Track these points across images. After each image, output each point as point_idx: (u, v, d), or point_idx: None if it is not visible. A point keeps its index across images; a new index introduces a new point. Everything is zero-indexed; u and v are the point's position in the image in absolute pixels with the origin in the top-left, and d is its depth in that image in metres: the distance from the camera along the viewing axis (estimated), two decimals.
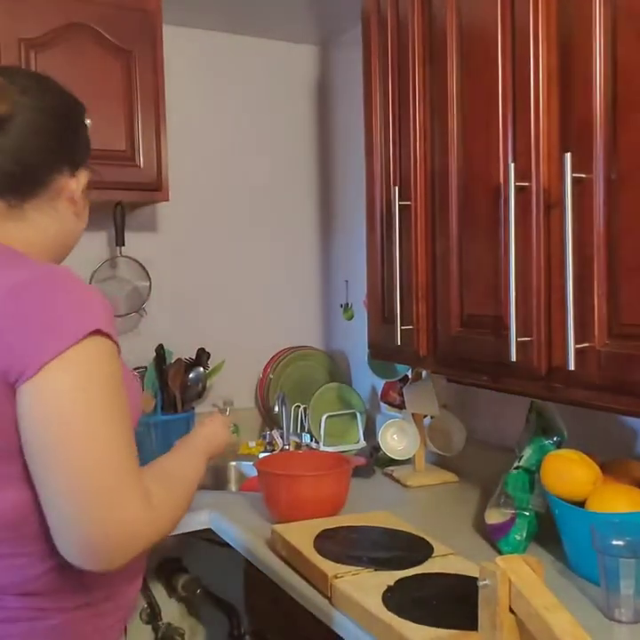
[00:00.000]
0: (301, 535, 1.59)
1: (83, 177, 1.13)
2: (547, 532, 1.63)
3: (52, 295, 0.94)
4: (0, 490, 0.96)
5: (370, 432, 2.60)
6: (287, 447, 2.45)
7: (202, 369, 2.51)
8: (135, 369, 2.38)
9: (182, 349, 2.52)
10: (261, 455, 2.40)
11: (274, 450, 2.44)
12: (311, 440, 2.51)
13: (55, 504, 0.92)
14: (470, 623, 1.16)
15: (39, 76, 1.13)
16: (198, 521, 1.96)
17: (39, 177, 1.06)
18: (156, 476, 1.04)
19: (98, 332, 0.93)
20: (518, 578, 1.08)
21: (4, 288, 0.93)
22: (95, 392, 0.92)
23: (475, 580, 1.15)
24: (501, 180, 1.48)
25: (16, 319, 0.92)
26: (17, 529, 0.98)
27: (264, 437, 2.56)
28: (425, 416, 2.25)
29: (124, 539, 0.93)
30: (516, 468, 1.66)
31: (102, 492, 0.91)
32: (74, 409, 0.91)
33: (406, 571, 1.42)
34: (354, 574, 1.42)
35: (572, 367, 1.29)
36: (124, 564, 0.94)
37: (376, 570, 1.43)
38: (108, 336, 0.95)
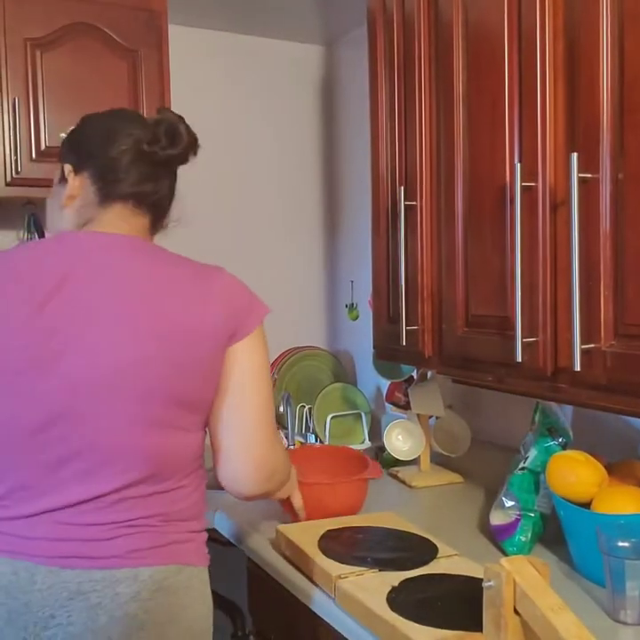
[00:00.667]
0: (306, 535, 1.59)
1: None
2: (552, 534, 1.63)
3: (247, 289, 1.40)
4: (192, 432, 1.26)
5: (375, 432, 2.59)
6: (292, 447, 2.45)
7: None
8: None
9: None
10: None
11: None
12: (316, 440, 2.51)
13: (241, 430, 1.28)
14: (475, 624, 1.16)
15: None
16: None
17: None
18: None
19: None
20: (523, 579, 1.08)
21: (223, 284, 1.34)
22: (267, 358, 1.37)
23: (479, 581, 1.14)
24: (507, 180, 1.48)
25: (233, 303, 1.31)
26: (195, 462, 1.28)
27: None
28: (430, 416, 2.25)
29: (276, 462, 1.33)
30: (522, 468, 1.66)
31: (270, 431, 1.30)
32: (259, 365, 1.32)
33: (411, 571, 1.42)
34: (358, 575, 1.41)
35: (577, 368, 1.29)
36: (261, 492, 1.34)
37: (380, 570, 1.43)
38: None
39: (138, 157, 1.28)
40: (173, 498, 1.25)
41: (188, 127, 1.33)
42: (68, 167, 1.31)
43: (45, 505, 1.19)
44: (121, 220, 1.29)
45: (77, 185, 1.30)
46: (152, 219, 1.35)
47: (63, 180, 1.33)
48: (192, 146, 1.34)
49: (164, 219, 1.40)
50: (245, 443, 1.29)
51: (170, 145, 1.29)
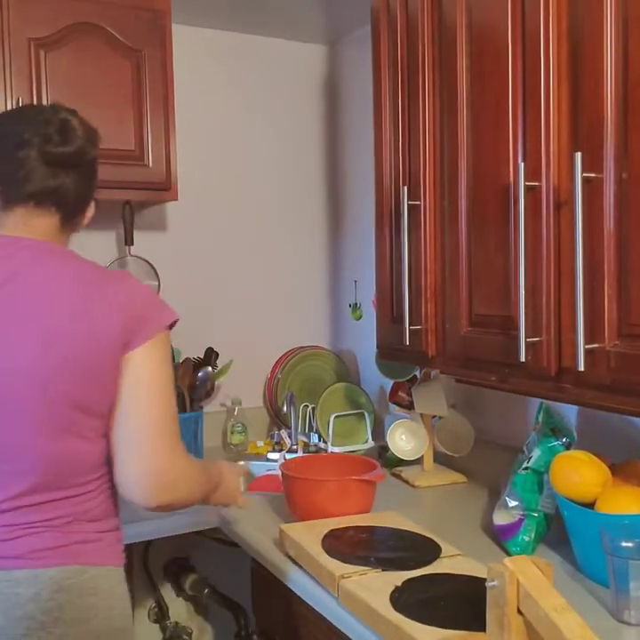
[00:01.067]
0: (309, 535, 1.59)
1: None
2: (555, 534, 1.63)
3: (151, 295, 1.34)
4: (93, 440, 1.24)
5: (378, 432, 2.59)
6: (295, 447, 2.45)
7: (210, 368, 2.50)
8: None
9: (190, 349, 2.52)
10: (270, 455, 2.40)
11: (282, 449, 2.43)
12: (319, 440, 2.51)
13: (135, 440, 1.23)
14: (478, 624, 1.16)
15: None
16: (206, 520, 1.97)
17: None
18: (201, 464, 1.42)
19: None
20: (526, 579, 1.08)
21: (126, 290, 1.27)
22: (169, 366, 1.28)
23: (483, 580, 1.14)
24: (511, 180, 1.47)
25: (132, 310, 1.25)
26: (100, 469, 1.26)
27: (272, 437, 2.56)
28: (433, 416, 2.25)
29: (177, 473, 1.26)
30: (525, 468, 1.66)
31: (175, 436, 1.26)
32: (157, 372, 1.25)
33: (414, 571, 1.41)
34: (361, 574, 1.41)
35: (581, 368, 1.28)
36: (161, 504, 1.26)
37: (383, 570, 1.43)
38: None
39: (33, 158, 1.25)
40: (78, 500, 1.25)
41: (82, 121, 1.31)
42: None
43: None
44: (22, 223, 1.28)
45: None
46: (61, 218, 1.31)
47: None
48: (90, 141, 1.31)
49: (77, 217, 1.35)
50: (138, 453, 1.24)
51: (62, 143, 1.26)
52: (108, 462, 1.27)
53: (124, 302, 1.24)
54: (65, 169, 1.28)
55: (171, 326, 1.28)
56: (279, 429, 2.62)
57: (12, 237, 1.27)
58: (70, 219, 1.33)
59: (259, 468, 2.27)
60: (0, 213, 1.29)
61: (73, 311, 1.21)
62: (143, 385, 1.24)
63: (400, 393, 2.34)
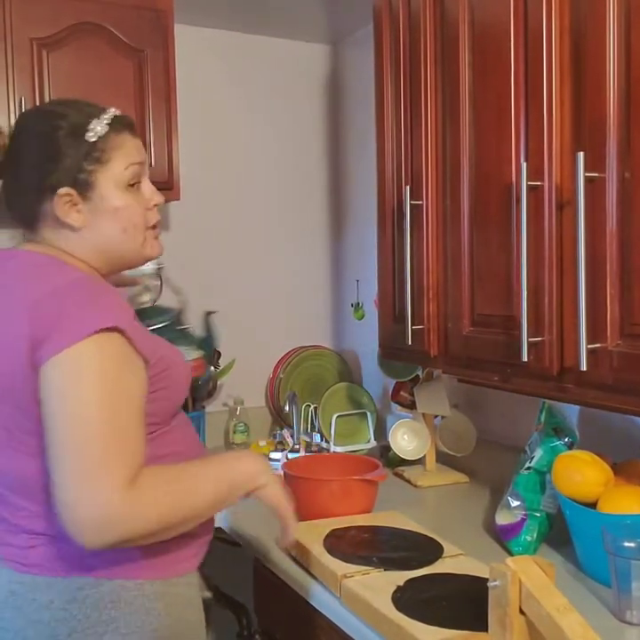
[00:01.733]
0: (311, 535, 1.59)
1: (63, 194, 1.22)
2: (558, 534, 1.62)
3: (64, 302, 1.12)
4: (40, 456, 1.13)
5: (380, 432, 2.59)
6: (297, 447, 2.45)
7: (212, 368, 2.51)
8: None
9: None
10: (272, 454, 2.40)
11: (284, 449, 2.43)
12: (321, 440, 2.51)
13: (54, 467, 1.08)
14: (480, 624, 1.16)
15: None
16: None
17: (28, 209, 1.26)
18: (162, 472, 1.17)
19: (106, 330, 1.10)
20: (529, 579, 1.08)
21: (35, 297, 1.13)
22: (92, 382, 1.09)
23: (485, 580, 1.14)
24: (513, 179, 1.47)
25: (39, 321, 1.11)
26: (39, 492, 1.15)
27: (274, 437, 2.56)
28: (435, 416, 2.25)
29: (96, 520, 1.07)
30: (527, 468, 1.65)
31: (77, 474, 1.07)
32: (70, 392, 1.08)
33: (416, 571, 1.42)
34: (363, 574, 1.41)
35: (583, 367, 1.28)
36: (111, 546, 1.09)
37: (386, 570, 1.43)
38: (117, 331, 1.12)
39: None
40: None
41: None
42: None
43: None
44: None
45: None
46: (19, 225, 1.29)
47: None
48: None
49: (17, 219, 1.29)
50: (53, 482, 1.09)
51: None
52: None
53: (33, 308, 1.12)
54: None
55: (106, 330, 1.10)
56: (281, 429, 2.62)
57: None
58: (15, 219, 1.29)
59: None
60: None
61: None
62: (55, 405, 1.09)
63: (402, 393, 2.33)
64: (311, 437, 2.52)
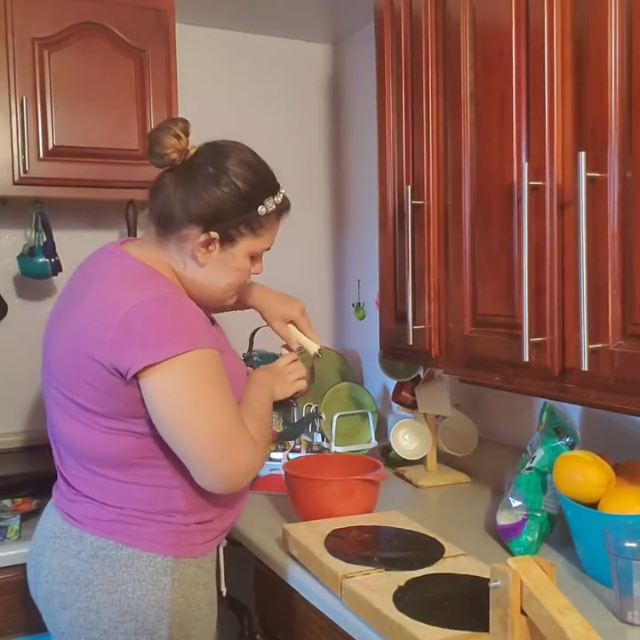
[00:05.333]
0: (312, 535, 1.59)
1: (211, 236, 1.39)
2: (559, 534, 1.62)
3: (159, 315, 1.29)
4: (115, 433, 1.34)
5: (381, 432, 2.59)
6: (298, 447, 2.45)
7: None
8: None
9: None
10: (273, 454, 2.39)
11: (285, 449, 2.43)
12: (322, 440, 2.51)
13: (190, 461, 1.32)
14: (481, 624, 1.16)
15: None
16: None
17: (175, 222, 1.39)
18: (251, 422, 1.40)
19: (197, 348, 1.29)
20: (530, 579, 1.08)
21: (129, 305, 1.26)
22: (200, 386, 1.29)
23: (486, 581, 1.14)
24: (515, 179, 1.47)
25: (130, 331, 1.26)
26: (134, 460, 1.36)
27: None
28: (437, 416, 2.25)
29: (244, 471, 1.35)
30: (529, 468, 1.65)
31: (224, 450, 1.31)
32: (188, 399, 1.28)
33: (417, 571, 1.41)
34: (364, 574, 1.41)
35: (585, 367, 1.28)
36: (243, 485, 1.37)
37: (387, 570, 1.43)
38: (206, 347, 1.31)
39: None
40: (125, 487, 1.37)
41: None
42: None
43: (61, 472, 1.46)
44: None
45: None
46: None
47: None
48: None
49: (157, 217, 1.45)
50: (197, 475, 1.34)
51: None
52: (154, 459, 1.36)
53: (123, 327, 1.27)
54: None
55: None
56: None
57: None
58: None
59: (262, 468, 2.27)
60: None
61: (66, 313, 1.38)
62: (163, 414, 1.30)
63: (403, 393, 2.33)
64: (312, 437, 2.52)
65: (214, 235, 1.38)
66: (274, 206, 1.45)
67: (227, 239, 1.40)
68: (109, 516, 1.37)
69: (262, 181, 1.45)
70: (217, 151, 1.47)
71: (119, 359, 1.26)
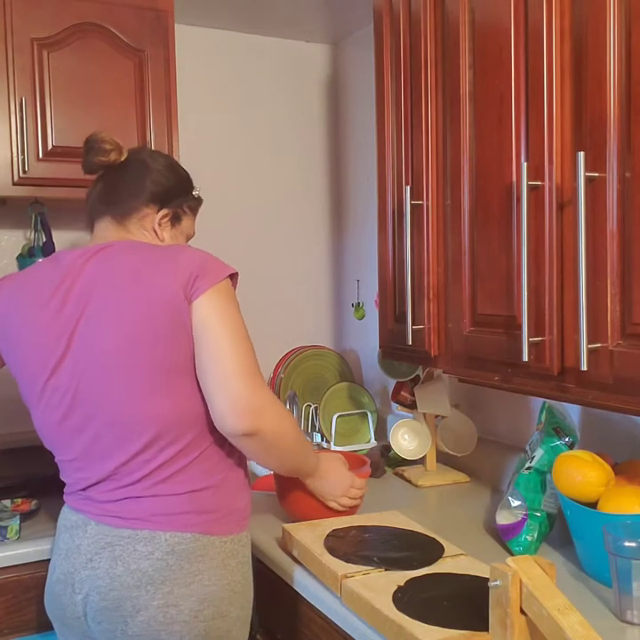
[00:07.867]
0: (312, 534, 1.59)
1: (163, 214, 1.56)
2: (558, 534, 1.63)
3: (197, 255, 1.45)
4: (189, 398, 1.40)
5: (381, 432, 2.59)
6: None
7: None
8: None
9: None
10: None
11: None
12: (322, 439, 2.51)
13: (214, 375, 1.36)
14: (481, 624, 1.16)
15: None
16: None
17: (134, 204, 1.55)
18: (301, 435, 1.51)
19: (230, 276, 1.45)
20: (529, 579, 1.08)
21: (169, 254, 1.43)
22: (235, 309, 1.43)
23: (486, 580, 1.14)
24: (514, 179, 1.47)
25: (185, 268, 1.39)
26: (196, 428, 1.42)
27: None
28: (436, 416, 2.25)
29: (254, 405, 1.35)
30: (528, 468, 1.66)
31: (241, 374, 1.35)
32: (226, 316, 1.39)
33: (417, 571, 1.42)
34: (364, 574, 1.41)
35: (584, 367, 1.28)
36: (247, 430, 1.35)
37: (386, 570, 1.43)
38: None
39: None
40: (195, 466, 1.41)
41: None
42: None
43: (92, 476, 1.44)
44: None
45: None
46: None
47: None
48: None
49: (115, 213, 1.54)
50: (218, 387, 1.36)
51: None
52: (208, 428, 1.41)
53: (176, 265, 1.39)
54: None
55: (232, 278, 1.44)
56: None
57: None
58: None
59: (262, 467, 2.27)
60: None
61: (141, 286, 1.40)
62: (210, 327, 1.37)
63: (403, 392, 2.33)
64: (312, 437, 2.52)
65: (167, 211, 1.56)
66: (198, 193, 1.67)
67: (175, 217, 1.59)
68: (182, 506, 1.39)
69: (186, 173, 1.67)
70: (146, 151, 1.66)
71: (193, 293, 1.37)
